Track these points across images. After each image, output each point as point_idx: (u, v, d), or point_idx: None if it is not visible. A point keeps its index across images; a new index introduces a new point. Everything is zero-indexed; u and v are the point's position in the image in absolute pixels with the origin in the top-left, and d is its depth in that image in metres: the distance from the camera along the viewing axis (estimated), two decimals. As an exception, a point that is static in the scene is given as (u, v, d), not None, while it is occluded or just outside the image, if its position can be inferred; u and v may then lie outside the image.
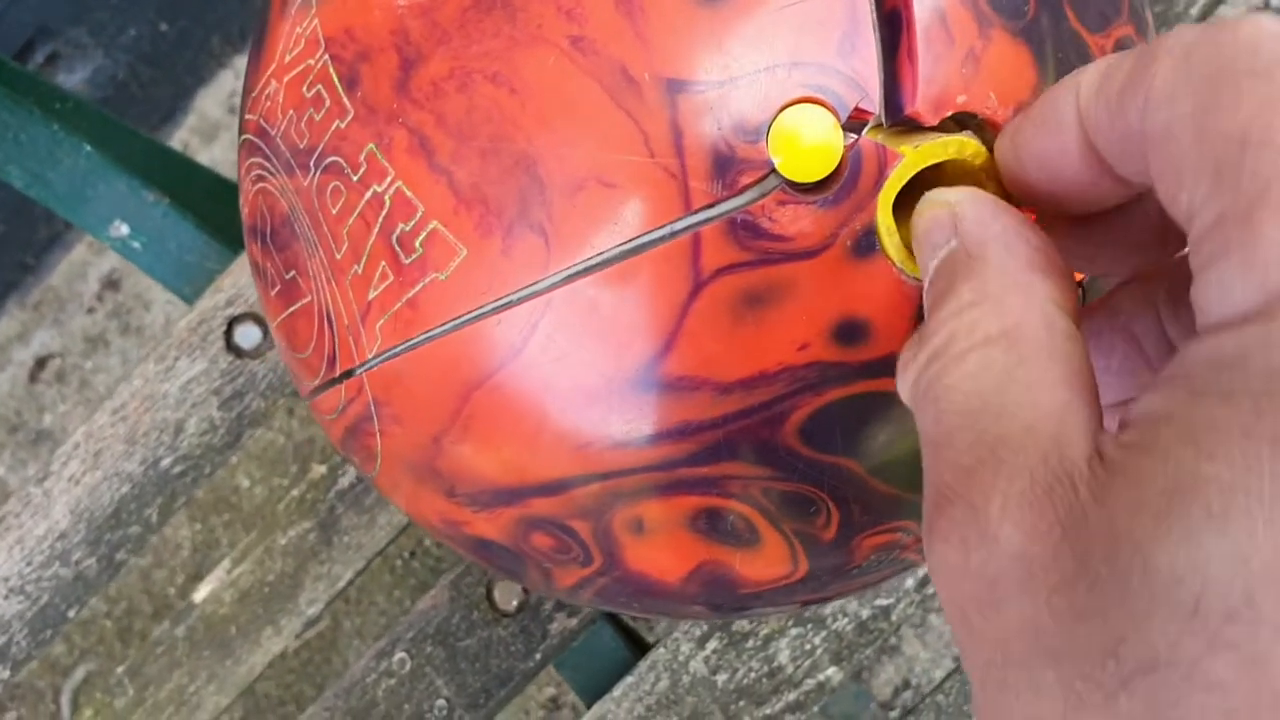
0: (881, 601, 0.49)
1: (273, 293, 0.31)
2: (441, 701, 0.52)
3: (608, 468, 0.26)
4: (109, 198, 0.52)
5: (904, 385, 0.21)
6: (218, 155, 0.99)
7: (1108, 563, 0.16)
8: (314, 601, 0.53)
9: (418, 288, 0.26)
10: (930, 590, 0.48)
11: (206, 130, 0.99)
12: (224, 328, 0.52)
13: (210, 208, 0.55)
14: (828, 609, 0.49)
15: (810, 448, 0.26)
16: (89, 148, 0.52)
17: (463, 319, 0.26)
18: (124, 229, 0.53)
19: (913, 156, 0.24)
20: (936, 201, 0.22)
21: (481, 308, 0.25)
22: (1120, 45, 0.27)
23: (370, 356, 0.27)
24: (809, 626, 0.49)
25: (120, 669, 0.55)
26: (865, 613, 0.49)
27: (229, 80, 0.99)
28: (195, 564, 1.01)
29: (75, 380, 1.03)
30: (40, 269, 1.02)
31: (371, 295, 0.27)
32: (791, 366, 0.25)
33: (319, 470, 0.53)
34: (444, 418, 0.27)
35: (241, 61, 0.99)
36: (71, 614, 0.54)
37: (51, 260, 1.02)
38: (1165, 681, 0.15)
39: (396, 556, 0.96)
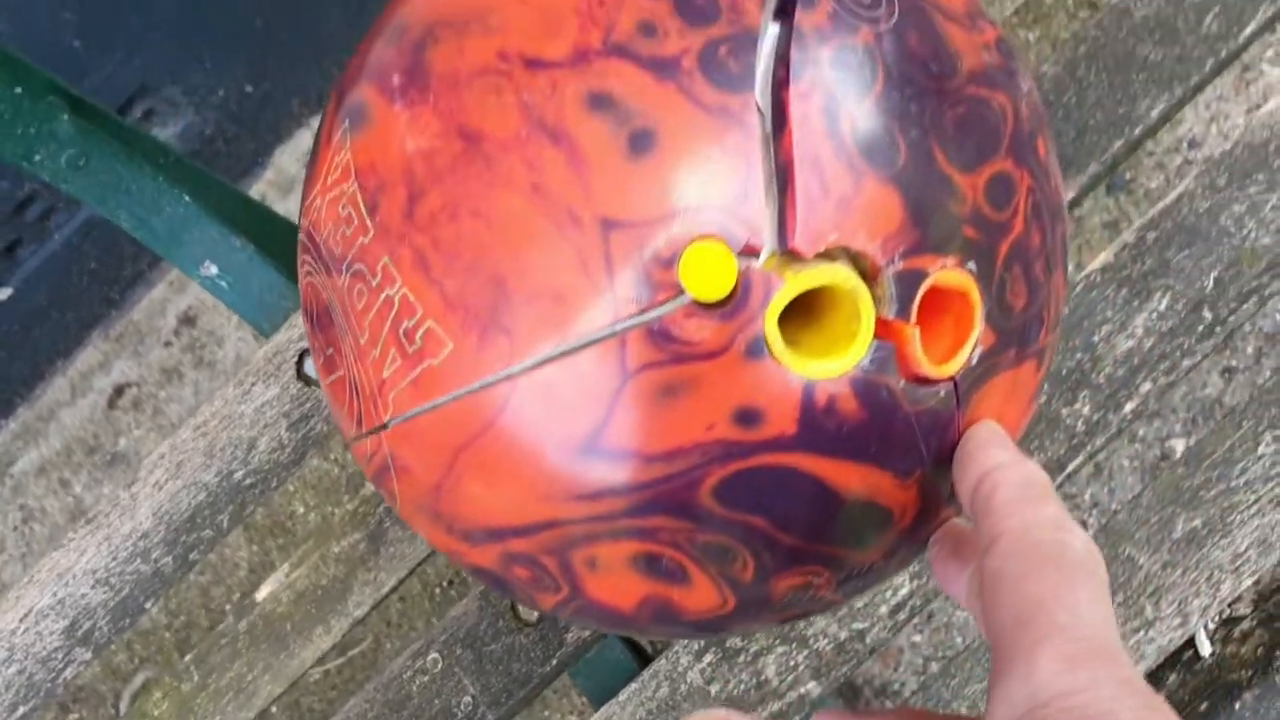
0: (858, 625, 0.55)
1: (320, 361, 0.38)
2: (468, 699, 0.58)
3: (566, 516, 0.33)
4: (202, 241, 0.60)
5: None
6: (291, 207, 1.07)
7: None
8: (360, 604, 0.60)
9: (418, 370, 0.33)
10: (901, 616, 0.54)
11: (283, 184, 1.08)
12: (295, 359, 0.59)
13: (288, 253, 0.62)
14: (809, 630, 0.55)
15: (723, 506, 0.32)
16: (188, 198, 0.60)
17: (451, 396, 0.32)
18: (213, 269, 0.60)
19: (792, 282, 0.30)
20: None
21: (465, 388, 0.32)
22: (993, 181, 0.34)
23: (386, 420, 0.34)
24: (793, 645, 0.55)
25: (188, 657, 0.62)
26: (843, 634, 0.55)
27: (305, 139, 1.08)
28: (251, 583, 1.09)
29: (150, 408, 1.11)
30: (124, 303, 1.11)
31: (385, 374, 0.34)
32: (702, 443, 0.32)
33: (369, 489, 0.60)
34: (440, 471, 0.34)
35: (317, 123, 1.08)
36: (149, 605, 0.61)
37: (134, 296, 1.11)
38: None
39: (436, 584, 1.03)
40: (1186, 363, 0.54)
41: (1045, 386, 0.54)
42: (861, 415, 0.32)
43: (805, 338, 0.33)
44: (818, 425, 0.32)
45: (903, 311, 0.32)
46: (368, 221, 0.33)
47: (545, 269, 0.31)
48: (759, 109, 0.31)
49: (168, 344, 1.11)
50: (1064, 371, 0.55)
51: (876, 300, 0.32)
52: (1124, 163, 0.55)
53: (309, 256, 0.37)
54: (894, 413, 0.33)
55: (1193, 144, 1.00)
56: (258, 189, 1.08)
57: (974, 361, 0.34)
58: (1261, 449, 0.53)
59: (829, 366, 0.32)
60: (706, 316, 0.31)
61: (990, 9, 0.58)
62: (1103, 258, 0.55)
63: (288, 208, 1.08)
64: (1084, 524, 0.97)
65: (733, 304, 0.31)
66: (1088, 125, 0.56)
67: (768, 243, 0.31)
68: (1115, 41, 0.56)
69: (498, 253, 0.31)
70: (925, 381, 0.33)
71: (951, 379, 0.34)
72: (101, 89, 0.90)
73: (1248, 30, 0.56)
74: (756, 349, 0.31)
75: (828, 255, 0.31)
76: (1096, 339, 0.55)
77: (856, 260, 0.32)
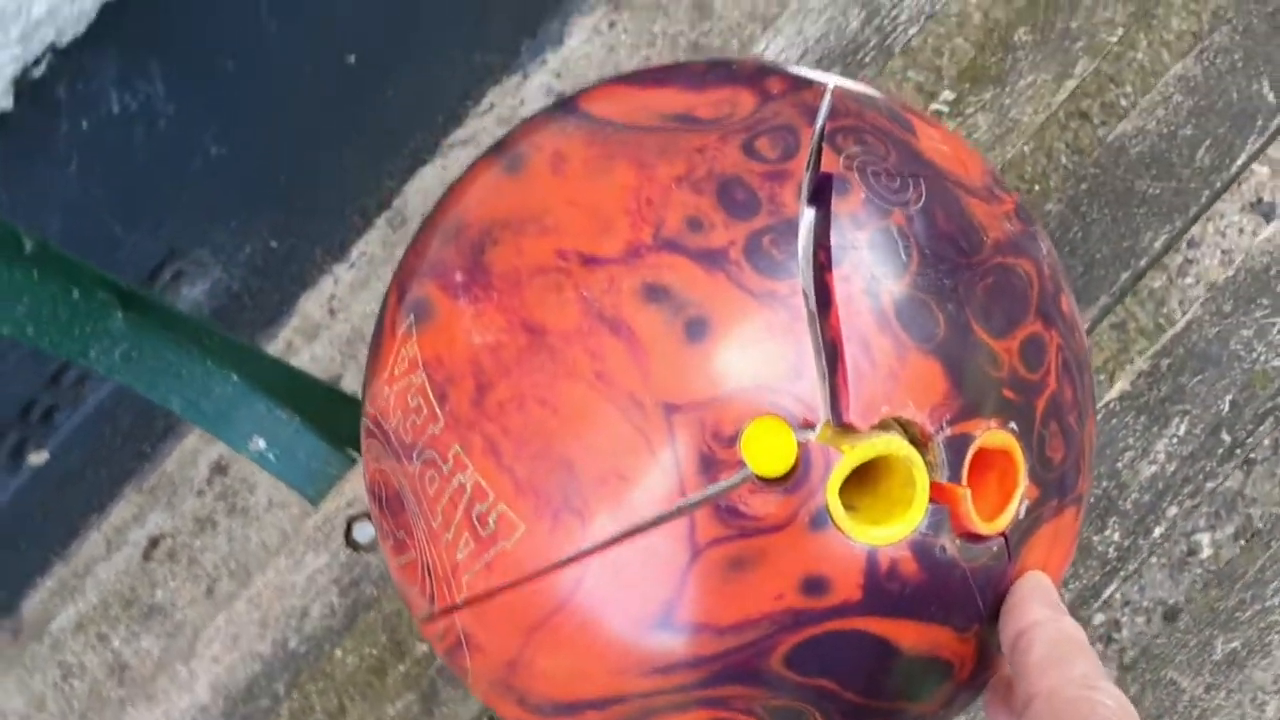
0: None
1: (388, 543, 0.39)
2: None
3: (639, 690, 0.34)
4: (250, 418, 0.62)
5: None
6: (318, 351, 1.10)
7: None
8: (417, 764, 0.61)
9: (491, 553, 0.34)
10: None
11: (308, 330, 1.11)
12: (344, 526, 0.61)
13: (332, 420, 0.65)
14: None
15: (794, 672, 0.34)
16: (235, 377, 0.62)
17: (525, 578, 0.34)
18: (261, 443, 0.62)
19: (850, 455, 0.32)
20: None
21: (538, 570, 0.33)
22: (1026, 343, 0.36)
23: (459, 601, 0.36)
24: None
25: (247, 826, 0.62)
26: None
27: (329, 285, 1.11)
28: (291, 729, 1.09)
29: (185, 558, 1.12)
30: (155, 456, 1.13)
31: (459, 556, 0.35)
32: (771, 613, 0.33)
33: (422, 648, 0.61)
34: (514, 649, 0.35)
35: (340, 269, 1.11)
36: (207, 776, 0.62)
37: (166, 448, 1.13)
38: None
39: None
40: (1210, 485, 0.55)
41: (1076, 516, 0.55)
42: (922, 576, 0.34)
43: (861, 502, 0.34)
44: (882, 589, 0.33)
45: (953, 474, 0.34)
46: (437, 411, 0.35)
47: (612, 452, 0.32)
48: (805, 293, 0.33)
49: (200, 493, 1.13)
50: (1092, 499, 0.56)
51: (929, 466, 0.33)
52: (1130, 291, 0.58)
53: (376, 442, 0.39)
54: (951, 571, 0.34)
55: (1191, 243, 1.04)
56: (284, 336, 1.11)
57: (1021, 515, 0.36)
58: (1292, 566, 0.55)
59: (890, 533, 0.33)
60: (770, 491, 0.32)
61: (991, 153, 0.61)
62: (1120, 386, 0.57)
63: (314, 352, 1.11)
64: (1116, 624, 0.98)
65: (794, 478, 0.32)
66: (1094, 259, 0.58)
67: (823, 418, 0.33)
68: (1114, 178, 0.59)
69: (566, 438, 0.33)
70: (978, 539, 0.35)
71: (1002, 534, 0.35)
72: (132, 257, 0.93)
73: (1239, 160, 0.59)
74: (820, 520, 0.32)
75: (881, 426, 0.33)
76: (1120, 465, 0.56)
77: (907, 429, 0.33)
